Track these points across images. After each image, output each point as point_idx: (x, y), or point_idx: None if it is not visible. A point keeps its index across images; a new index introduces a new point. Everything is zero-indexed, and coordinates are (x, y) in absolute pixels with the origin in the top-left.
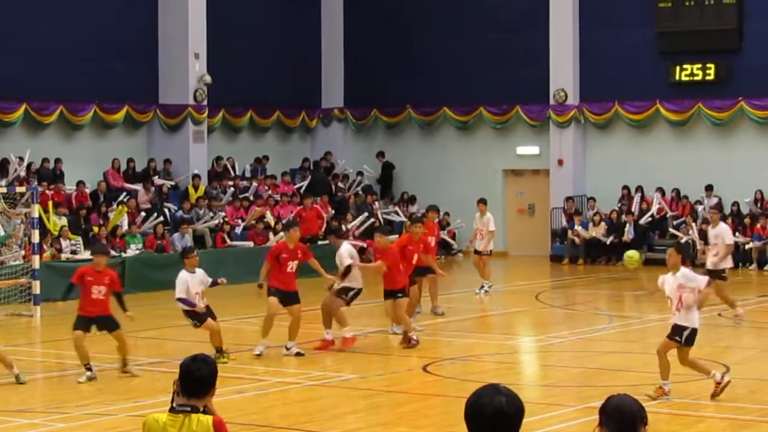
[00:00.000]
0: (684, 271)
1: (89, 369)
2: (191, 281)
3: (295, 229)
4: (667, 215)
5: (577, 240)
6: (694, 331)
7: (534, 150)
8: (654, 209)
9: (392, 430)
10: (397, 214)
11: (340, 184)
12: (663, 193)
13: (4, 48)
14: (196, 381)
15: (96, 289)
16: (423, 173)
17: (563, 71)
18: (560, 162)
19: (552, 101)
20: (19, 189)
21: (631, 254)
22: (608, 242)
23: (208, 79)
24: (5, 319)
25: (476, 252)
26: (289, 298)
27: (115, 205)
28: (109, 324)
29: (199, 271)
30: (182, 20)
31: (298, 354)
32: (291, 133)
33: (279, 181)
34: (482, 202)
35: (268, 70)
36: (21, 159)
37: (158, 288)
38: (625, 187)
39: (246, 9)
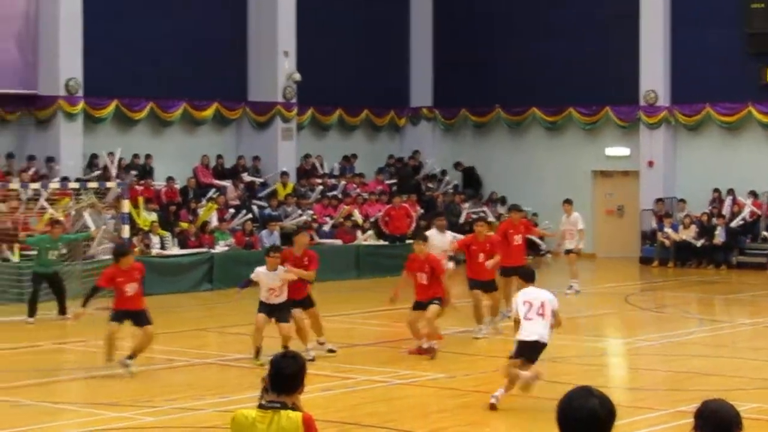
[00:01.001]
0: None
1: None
2: (266, 278)
3: (303, 234)
4: (760, 218)
5: (667, 242)
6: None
7: (624, 151)
8: (746, 212)
9: (479, 430)
10: (485, 214)
11: (429, 184)
12: (755, 196)
13: (95, 46)
14: (286, 378)
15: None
16: (511, 173)
17: (653, 72)
18: (650, 163)
19: (642, 102)
20: (109, 184)
21: None
22: (699, 245)
23: (297, 76)
24: (95, 314)
25: (567, 252)
26: (302, 305)
27: (204, 201)
28: (140, 319)
29: (281, 269)
30: (272, 18)
31: (330, 351)
32: (379, 131)
33: (369, 179)
34: (567, 202)
35: (357, 68)
36: (111, 154)
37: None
38: (716, 190)
39: (335, 7)
